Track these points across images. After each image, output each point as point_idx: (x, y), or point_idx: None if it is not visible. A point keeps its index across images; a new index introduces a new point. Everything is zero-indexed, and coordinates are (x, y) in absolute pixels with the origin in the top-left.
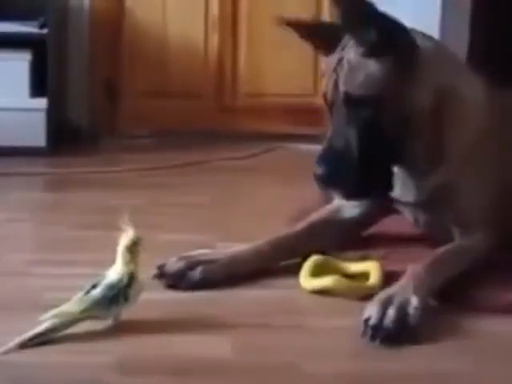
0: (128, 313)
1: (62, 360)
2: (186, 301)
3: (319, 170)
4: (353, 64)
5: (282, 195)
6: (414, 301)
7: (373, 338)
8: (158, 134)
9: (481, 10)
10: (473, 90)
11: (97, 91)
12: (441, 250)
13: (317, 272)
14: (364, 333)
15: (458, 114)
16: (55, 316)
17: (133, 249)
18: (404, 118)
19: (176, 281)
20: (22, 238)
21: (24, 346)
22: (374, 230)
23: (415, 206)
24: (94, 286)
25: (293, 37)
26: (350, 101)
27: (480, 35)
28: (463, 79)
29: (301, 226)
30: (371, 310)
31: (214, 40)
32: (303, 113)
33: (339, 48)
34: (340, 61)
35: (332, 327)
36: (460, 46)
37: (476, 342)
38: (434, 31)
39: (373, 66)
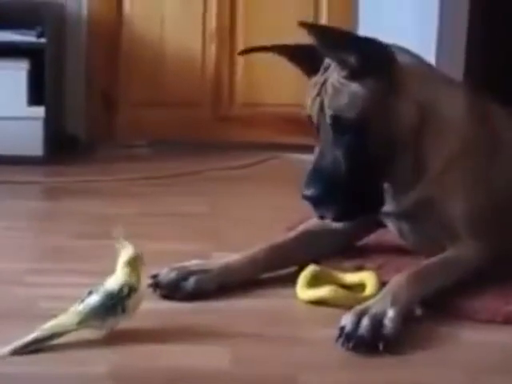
0: (123, 322)
1: (54, 370)
2: (181, 311)
3: (308, 192)
4: (336, 87)
5: (279, 205)
6: (391, 312)
7: (346, 344)
8: (154, 143)
9: (477, 29)
10: (454, 102)
11: (94, 100)
12: (429, 260)
13: (313, 282)
14: (338, 339)
15: (439, 127)
16: (52, 328)
17: (134, 263)
18: (390, 135)
19: (170, 291)
20: (18, 246)
21: (16, 354)
22: (370, 240)
23: (397, 216)
24: (89, 293)
25: None
26: (336, 123)
27: (477, 55)
28: (444, 92)
29: (290, 235)
30: (347, 319)
31: (212, 51)
32: (300, 123)
33: (322, 69)
34: (324, 83)
35: (328, 338)
36: (456, 66)
37: (466, 353)
38: (431, 52)
39: (356, 88)
